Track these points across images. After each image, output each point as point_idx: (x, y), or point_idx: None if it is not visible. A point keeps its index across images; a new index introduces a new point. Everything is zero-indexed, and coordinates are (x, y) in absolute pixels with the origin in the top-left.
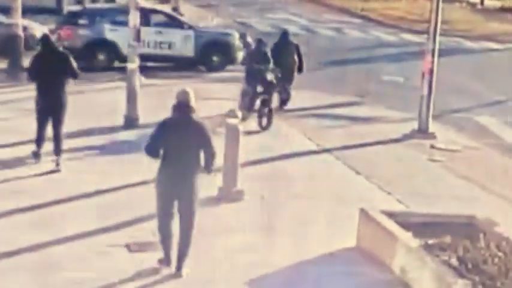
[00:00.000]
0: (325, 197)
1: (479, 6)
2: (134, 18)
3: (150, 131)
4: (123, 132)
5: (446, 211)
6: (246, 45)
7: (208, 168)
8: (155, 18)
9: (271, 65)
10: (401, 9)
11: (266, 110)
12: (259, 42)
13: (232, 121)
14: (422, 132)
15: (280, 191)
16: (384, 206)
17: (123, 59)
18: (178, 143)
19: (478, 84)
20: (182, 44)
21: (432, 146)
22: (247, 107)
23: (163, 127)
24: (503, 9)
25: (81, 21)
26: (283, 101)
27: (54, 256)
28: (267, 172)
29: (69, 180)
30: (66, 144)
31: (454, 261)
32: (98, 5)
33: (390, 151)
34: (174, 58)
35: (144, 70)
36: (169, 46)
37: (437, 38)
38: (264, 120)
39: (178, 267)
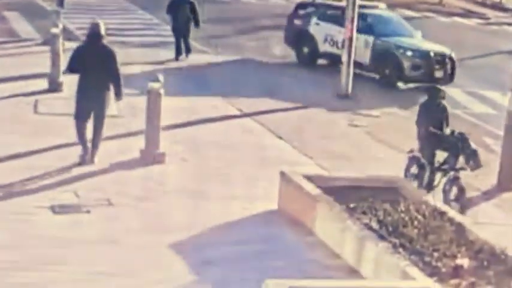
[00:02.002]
0: (247, 160)
1: None
2: None
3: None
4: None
5: (367, 175)
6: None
7: (118, 94)
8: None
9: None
10: None
11: (457, 189)
12: (434, 90)
13: (154, 85)
14: (343, 98)
15: (202, 155)
16: (305, 170)
17: (320, 55)
18: (90, 65)
19: None
20: (361, 49)
21: (353, 112)
22: (423, 185)
23: (77, 51)
24: None
25: (301, 12)
26: (187, 50)
27: None
28: (189, 136)
29: None
30: None
31: (374, 224)
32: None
33: (312, 116)
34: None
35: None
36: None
37: (356, 6)
38: (457, 205)
39: (92, 156)
